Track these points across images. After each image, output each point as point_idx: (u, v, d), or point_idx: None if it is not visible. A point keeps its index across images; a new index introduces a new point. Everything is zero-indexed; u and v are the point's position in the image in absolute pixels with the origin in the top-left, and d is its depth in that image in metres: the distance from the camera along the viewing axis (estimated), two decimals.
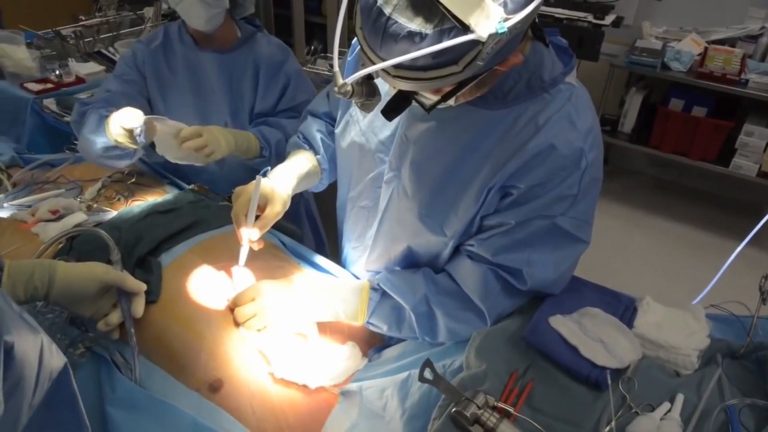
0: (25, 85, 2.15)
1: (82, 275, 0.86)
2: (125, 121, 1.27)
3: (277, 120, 1.56)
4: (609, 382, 0.83)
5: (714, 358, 0.89)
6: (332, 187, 1.29)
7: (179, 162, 1.37)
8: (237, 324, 0.98)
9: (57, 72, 2.17)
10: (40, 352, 0.44)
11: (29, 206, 1.30)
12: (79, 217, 1.23)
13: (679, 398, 0.82)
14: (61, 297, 0.85)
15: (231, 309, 1.00)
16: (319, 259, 1.24)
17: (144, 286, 0.94)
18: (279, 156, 1.31)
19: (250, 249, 1.03)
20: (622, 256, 2.77)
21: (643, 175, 3.57)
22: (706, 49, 2.89)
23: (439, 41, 0.65)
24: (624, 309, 0.97)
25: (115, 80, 1.56)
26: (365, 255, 1.14)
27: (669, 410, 0.80)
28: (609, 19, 2.98)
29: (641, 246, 2.95)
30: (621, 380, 0.85)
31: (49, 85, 2.15)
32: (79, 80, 2.21)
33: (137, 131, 1.25)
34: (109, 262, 0.95)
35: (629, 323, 0.94)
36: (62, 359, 0.47)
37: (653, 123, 3.13)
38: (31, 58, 2.19)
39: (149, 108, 1.59)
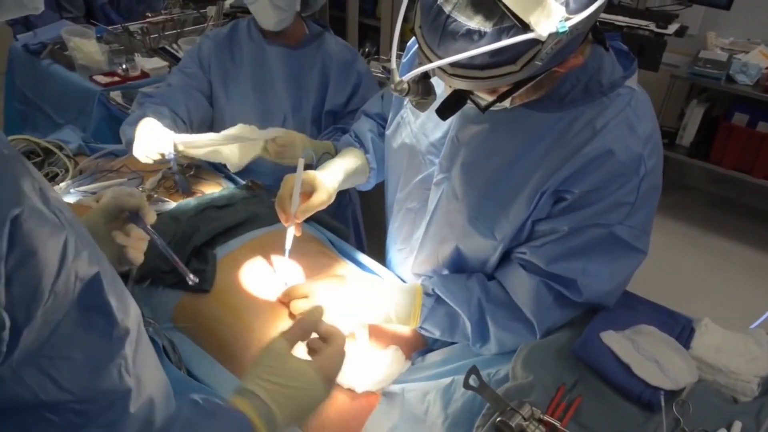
0: (93, 77, 2.24)
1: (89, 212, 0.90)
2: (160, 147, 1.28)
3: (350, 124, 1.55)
4: (662, 403, 0.81)
5: None
6: (378, 195, 1.29)
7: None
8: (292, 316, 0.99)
9: (123, 66, 2.26)
10: (63, 246, 0.46)
11: (93, 193, 1.37)
12: None
13: (737, 425, 0.79)
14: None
15: (281, 302, 1.02)
16: (366, 260, 1.25)
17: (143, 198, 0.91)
18: None
19: (301, 246, 1.05)
20: (674, 274, 2.66)
21: (700, 191, 3.42)
22: None
23: (498, 40, 0.64)
24: (681, 329, 0.93)
25: (178, 73, 1.62)
26: (411, 257, 1.14)
27: None
28: (672, 28, 2.87)
29: (695, 265, 2.83)
30: (675, 402, 0.82)
31: (116, 78, 2.24)
32: (144, 74, 2.30)
33: (168, 155, 1.29)
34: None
35: (686, 344, 0.90)
36: (95, 268, 0.50)
37: (714, 137, 3.00)
38: (100, 51, 2.28)
39: (207, 103, 1.63)
